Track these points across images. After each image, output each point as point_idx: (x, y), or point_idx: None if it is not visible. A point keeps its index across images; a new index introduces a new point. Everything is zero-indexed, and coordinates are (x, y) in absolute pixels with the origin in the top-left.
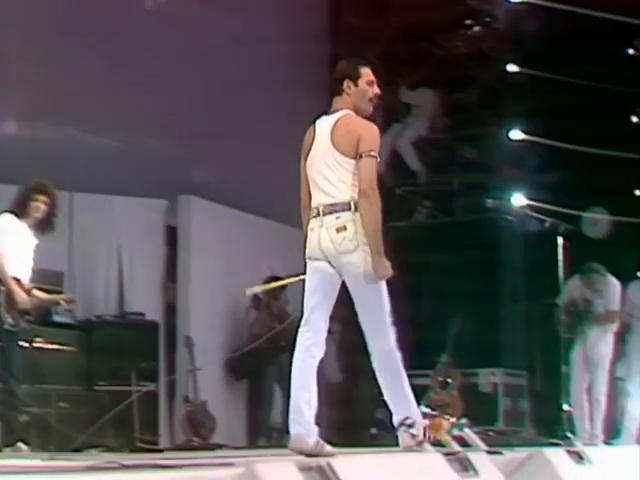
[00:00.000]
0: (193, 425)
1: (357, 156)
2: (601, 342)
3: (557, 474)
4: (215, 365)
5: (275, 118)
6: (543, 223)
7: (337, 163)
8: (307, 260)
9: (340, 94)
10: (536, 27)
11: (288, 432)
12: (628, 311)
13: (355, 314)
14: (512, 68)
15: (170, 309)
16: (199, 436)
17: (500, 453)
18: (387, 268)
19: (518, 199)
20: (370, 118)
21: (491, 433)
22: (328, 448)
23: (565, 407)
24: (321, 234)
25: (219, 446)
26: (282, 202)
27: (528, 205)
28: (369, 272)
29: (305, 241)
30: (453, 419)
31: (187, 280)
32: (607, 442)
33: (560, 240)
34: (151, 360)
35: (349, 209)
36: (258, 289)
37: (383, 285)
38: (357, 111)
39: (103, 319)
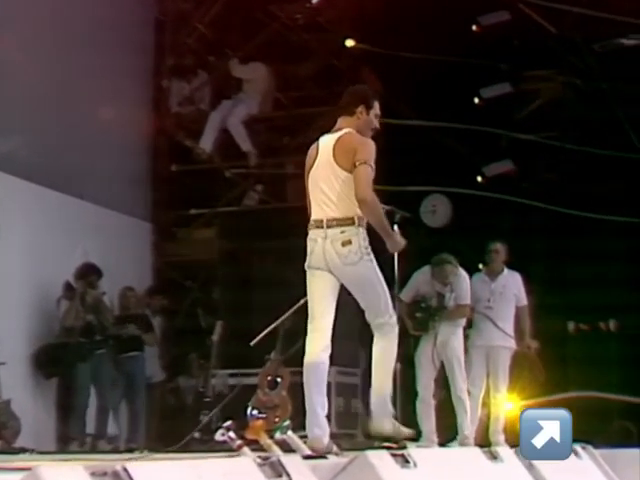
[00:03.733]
0: None
1: (352, 166)
2: (453, 337)
3: (379, 478)
4: (21, 360)
5: (92, 88)
6: None
7: (339, 178)
8: (307, 268)
9: (351, 115)
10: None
11: (102, 437)
12: (472, 305)
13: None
14: (350, 43)
15: None
16: (1, 438)
17: (324, 457)
18: (398, 242)
19: None
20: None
21: None
22: (335, 447)
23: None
24: (325, 246)
25: (23, 450)
26: (97, 181)
27: None
28: (371, 279)
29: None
30: (287, 422)
31: None
32: (443, 444)
33: (396, 229)
34: None
35: (353, 224)
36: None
37: (383, 284)
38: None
39: None
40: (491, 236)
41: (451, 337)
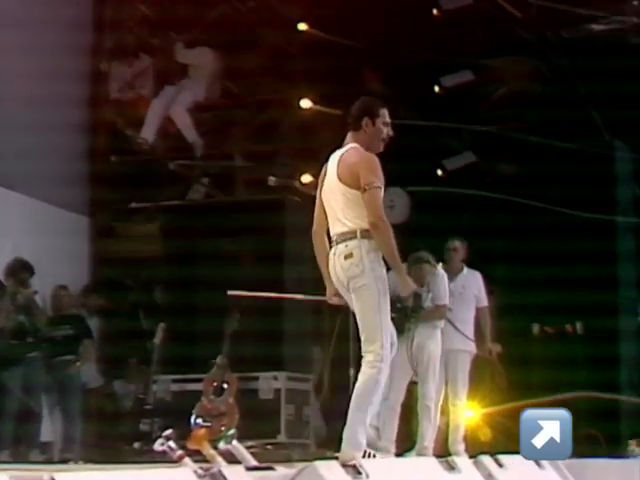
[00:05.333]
0: None
1: (361, 190)
2: (430, 341)
3: None
4: None
5: (25, 71)
6: None
7: (343, 195)
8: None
9: (357, 130)
10: None
11: (34, 446)
12: None
13: None
14: (303, 27)
15: None
16: None
17: (272, 469)
18: (409, 284)
19: (307, 178)
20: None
21: (270, 447)
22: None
23: None
24: (335, 262)
25: None
26: (29, 171)
27: (317, 185)
28: (369, 298)
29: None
30: (232, 431)
31: None
32: (400, 454)
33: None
34: None
35: (355, 237)
36: None
37: (387, 311)
38: (369, 148)
39: None
40: (451, 233)
41: (428, 340)
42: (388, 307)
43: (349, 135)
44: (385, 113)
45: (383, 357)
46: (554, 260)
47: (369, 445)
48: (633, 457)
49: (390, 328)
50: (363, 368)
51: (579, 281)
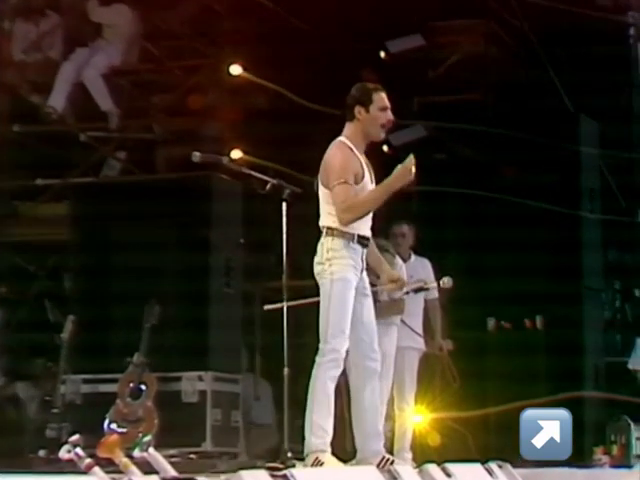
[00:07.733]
0: None
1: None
2: (385, 338)
3: None
4: None
5: None
6: (265, 185)
7: (320, 191)
8: None
9: (351, 120)
10: None
11: None
12: None
13: None
14: None
15: None
16: None
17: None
18: (399, 174)
19: (236, 154)
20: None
21: (193, 456)
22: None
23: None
24: None
25: None
26: None
27: (247, 162)
28: (323, 295)
29: None
30: (148, 437)
31: None
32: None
33: (285, 207)
34: None
35: (321, 234)
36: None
37: (341, 315)
38: (368, 136)
39: None
40: (397, 217)
41: (383, 338)
42: (344, 310)
43: (345, 126)
44: (381, 98)
45: (324, 352)
46: (512, 249)
47: None
48: (599, 467)
49: (345, 331)
50: None
51: (538, 271)
